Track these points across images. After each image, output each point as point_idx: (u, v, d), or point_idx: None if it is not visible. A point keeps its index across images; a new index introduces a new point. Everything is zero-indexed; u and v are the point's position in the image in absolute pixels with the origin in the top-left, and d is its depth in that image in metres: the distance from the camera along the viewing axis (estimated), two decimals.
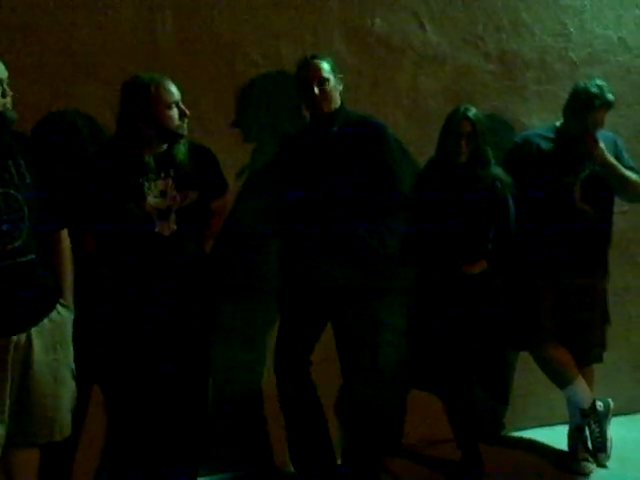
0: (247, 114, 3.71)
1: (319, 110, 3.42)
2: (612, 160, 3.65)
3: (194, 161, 3.19)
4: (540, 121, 4.08)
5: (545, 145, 3.79)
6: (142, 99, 3.06)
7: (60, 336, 2.87)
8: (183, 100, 3.12)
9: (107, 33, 3.46)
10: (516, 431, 4.22)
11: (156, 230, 3.10)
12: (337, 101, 3.44)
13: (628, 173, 3.69)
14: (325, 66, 3.40)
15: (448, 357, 3.58)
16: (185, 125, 3.12)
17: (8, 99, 2.72)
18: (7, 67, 2.72)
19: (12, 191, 2.71)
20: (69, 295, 2.94)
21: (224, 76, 3.65)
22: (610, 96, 3.62)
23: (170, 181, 3.13)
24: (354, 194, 3.39)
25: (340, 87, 3.46)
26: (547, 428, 4.13)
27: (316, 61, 3.41)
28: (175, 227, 3.12)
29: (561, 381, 3.82)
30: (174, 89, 3.10)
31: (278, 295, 3.60)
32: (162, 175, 3.12)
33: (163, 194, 3.11)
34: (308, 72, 3.40)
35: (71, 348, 2.93)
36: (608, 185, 3.75)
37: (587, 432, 3.89)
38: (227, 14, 3.63)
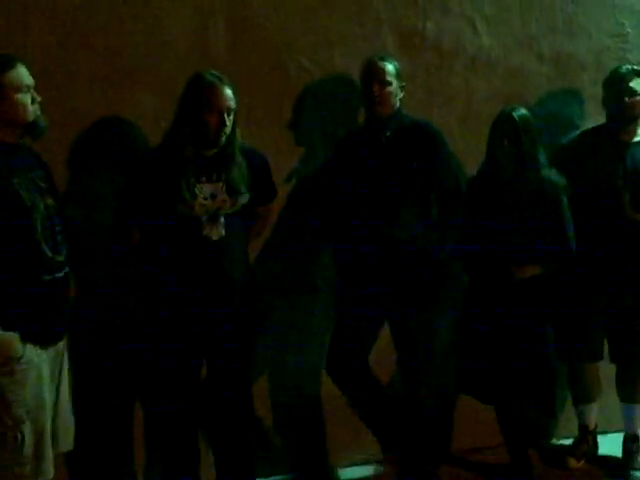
0: (298, 118, 3.72)
1: (375, 111, 3.43)
2: None
3: (247, 165, 3.16)
4: (596, 124, 3.95)
5: (590, 142, 3.75)
6: (191, 98, 3.05)
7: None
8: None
9: (158, 40, 3.47)
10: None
11: (204, 233, 3.07)
12: (394, 106, 3.45)
13: None
14: (390, 68, 3.41)
15: (498, 363, 3.52)
16: (227, 132, 3.07)
17: (37, 105, 2.69)
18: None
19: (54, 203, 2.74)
20: None
21: (275, 81, 3.66)
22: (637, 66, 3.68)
23: (221, 184, 3.11)
24: (408, 196, 3.41)
25: (401, 94, 3.47)
26: (602, 436, 4.02)
27: (381, 62, 3.42)
28: (223, 232, 3.09)
29: (581, 397, 3.84)
30: (225, 93, 3.04)
31: (337, 295, 3.60)
32: (214, 178, 3.11)
33: (213, 197, 3.08)
34: (371, 72, 3.42)
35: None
36: None
37: None
38: (279, 20, 3.65)
